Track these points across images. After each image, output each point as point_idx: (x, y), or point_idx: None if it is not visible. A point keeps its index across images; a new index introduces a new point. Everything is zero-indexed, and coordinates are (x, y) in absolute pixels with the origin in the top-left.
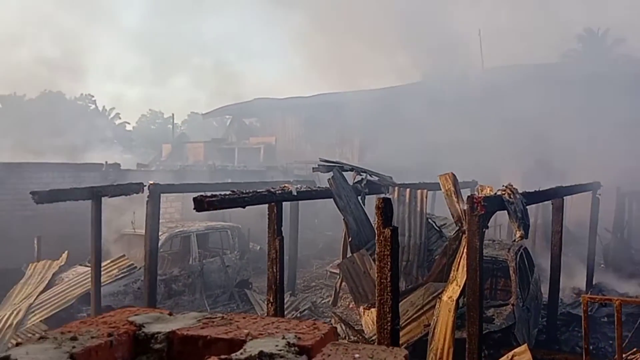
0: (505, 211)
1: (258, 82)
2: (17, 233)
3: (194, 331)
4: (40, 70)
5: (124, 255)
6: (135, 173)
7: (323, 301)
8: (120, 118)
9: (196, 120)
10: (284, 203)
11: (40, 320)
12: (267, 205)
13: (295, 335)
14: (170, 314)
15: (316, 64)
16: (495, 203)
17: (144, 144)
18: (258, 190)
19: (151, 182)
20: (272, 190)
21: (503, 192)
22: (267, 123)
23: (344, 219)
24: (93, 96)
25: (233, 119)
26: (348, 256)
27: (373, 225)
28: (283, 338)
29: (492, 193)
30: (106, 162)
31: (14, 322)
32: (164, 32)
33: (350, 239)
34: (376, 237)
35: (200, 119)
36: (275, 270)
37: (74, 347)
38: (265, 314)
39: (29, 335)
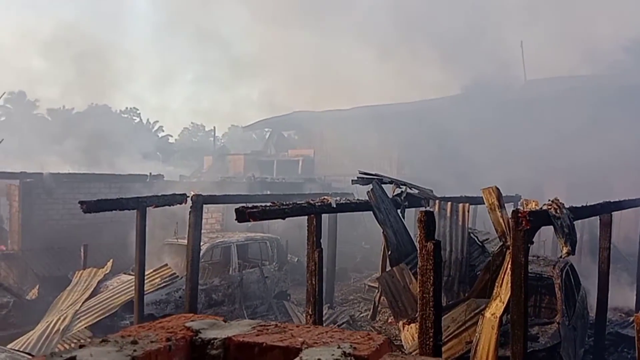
0: (550, 226)
1: (297, 95)
2: (65, 241)
3: (249, 338)
4: (87, 84)
5: (166, 265)
6: (178, 184)
7: (361, 315)
8: (163, 131)
9: (236, 133)
10: (322, 215)
11: (85, 327)
12: (306, 217)
13: (351, 345)
14: (224, 321)
15: (353, 77)
16: (541, 218)
17: (186, 156)
18: (298, 202)
19: (194, 193)
20: (312, 202)
21: (549, 207)
22: (306, 136)
23: (383, 232)
24: (138, 109)
25: (272, 131)
26: (387, 270)
27: (413, 238)
28: (338, 347)
29: (537, 207)
30: (150, 173)
31: (61, 328)
32: (205, 46)
33: (389, 253)
34: (418, 251)
35: (240, 132)
36: (314, 282)
37: (134, 350)
38: None
39: (75, 340)
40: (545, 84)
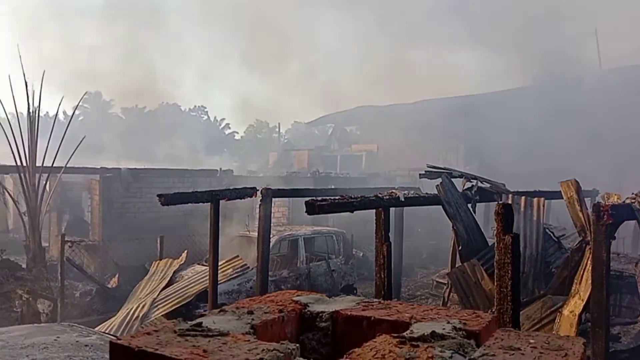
0: (630, 223)
1: (360, 90)
2: (141, 233)
3: (356, 312)
4: (159, 83)
5: (237, 256)
6: (246, 178)
7: None
8: (229, 128)
9: (299, 130)
10: (390, 210)
11: (162, 315)
12: (372, 212)
13: (460, 321)
14: (328, 297)
15: (418, 69)
16: (623, 212)
17: (252, 152)
18: (366, 196)
19: (264, 187)
20: (380, 195)
21: (633, 200)
22: (369, 130)
23: (453, 227)
24: (205, 107)
25: (335, 127)
26: (458, 266)
27: (485, 234)
28: (448, 322)
29: (619, 201)
30: (220, 168)
31: (140, 315)
32: (267, 43)
33: (459, 248)
34: (496, 244)
35: (303, 128)
36: (383, 276)
37: (252, 319)
38: None
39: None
40: (622, 73)
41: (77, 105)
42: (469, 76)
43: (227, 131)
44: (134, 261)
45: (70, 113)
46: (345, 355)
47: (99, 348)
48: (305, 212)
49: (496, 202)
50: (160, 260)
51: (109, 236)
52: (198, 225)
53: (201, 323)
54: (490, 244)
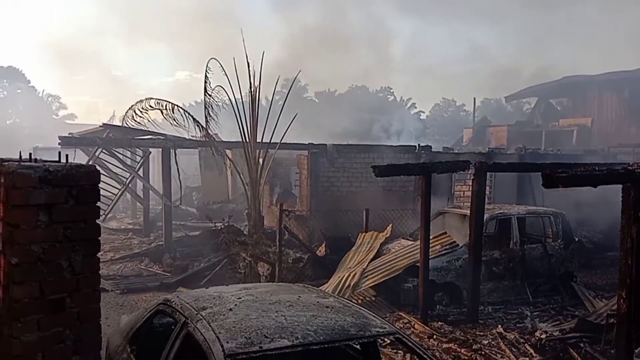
0: None
1: (568, 59)
2: (344, 206)
3: None
4: (348, 68)
5: (445, 232)
6: (443, 155)
7: None
8: (415, 107)
9: (489, 106)
10: None
11: (371, 286)
12: (587, 193)
13: None
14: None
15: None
16: None
17: (438, 131)
18: (612, 168)
19: (478, 160)
20: (631, 168)
21: None
22: (580, 103)
23: None
24: (392, 88)
25: (539, 100)
26: None
27: None
28: None
29: None
30: (418, 144)
31: (351, 284)
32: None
33: None
34: None
35: (494, 104)
36: (630, 262)
37: None
38: (598, 311)
39: (361, 297)
40: None
41: (285, 90)
42: None
43: (413, 111)
44: (339, 232)
45: (269, 99)
46: None
47: (339, 310)
48: (542, 184)
49: None
50: (366, 232)
51: (316, 208)
52: (396, 200)
53: None
54: None
